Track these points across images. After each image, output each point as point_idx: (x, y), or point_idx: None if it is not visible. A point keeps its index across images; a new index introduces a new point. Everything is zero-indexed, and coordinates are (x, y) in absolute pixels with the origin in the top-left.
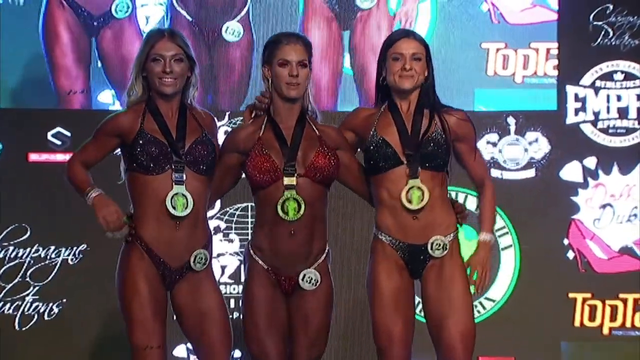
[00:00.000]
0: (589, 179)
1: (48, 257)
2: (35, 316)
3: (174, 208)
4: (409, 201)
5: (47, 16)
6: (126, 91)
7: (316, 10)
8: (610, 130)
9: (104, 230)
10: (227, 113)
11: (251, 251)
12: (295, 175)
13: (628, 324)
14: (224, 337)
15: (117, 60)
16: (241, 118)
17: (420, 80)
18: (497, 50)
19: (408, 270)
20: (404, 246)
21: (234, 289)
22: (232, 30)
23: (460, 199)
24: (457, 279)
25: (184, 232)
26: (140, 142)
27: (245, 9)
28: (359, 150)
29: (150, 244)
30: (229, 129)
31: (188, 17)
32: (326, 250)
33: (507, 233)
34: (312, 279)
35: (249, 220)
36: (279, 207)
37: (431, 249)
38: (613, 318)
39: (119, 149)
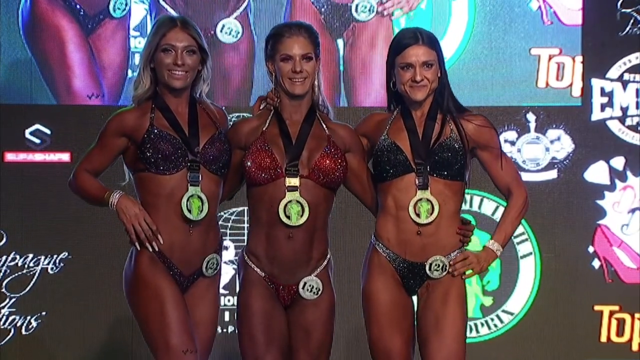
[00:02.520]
0: (617, 181)
1: (26, 266)
2: (12, 330)
3: (189, 211)
4: (417, 214)
5: (36, 7)
6: (133, 83)
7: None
8: None
9: (132, 240)
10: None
11: (246, 257)
12: (298, 176)
13: None
14: (202, 355)
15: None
16: (237, 114)
17: (434, 87)
18: (550, 57)
19: (404, 286)
20: (402, 262)
21: (229, 300)
22: (228, 29)
23: (476, 203)
24: (451, 297)
25: (197, 236)
26: (151, 139)
27: (245, 4)
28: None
29: (163, 250)
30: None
31: (174, 14)
32: (328, 257)
33: (526, 240)
34: (313, 287)
35: (245, 225)
36: (281, 210)
37: (429, 269)
38: None
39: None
